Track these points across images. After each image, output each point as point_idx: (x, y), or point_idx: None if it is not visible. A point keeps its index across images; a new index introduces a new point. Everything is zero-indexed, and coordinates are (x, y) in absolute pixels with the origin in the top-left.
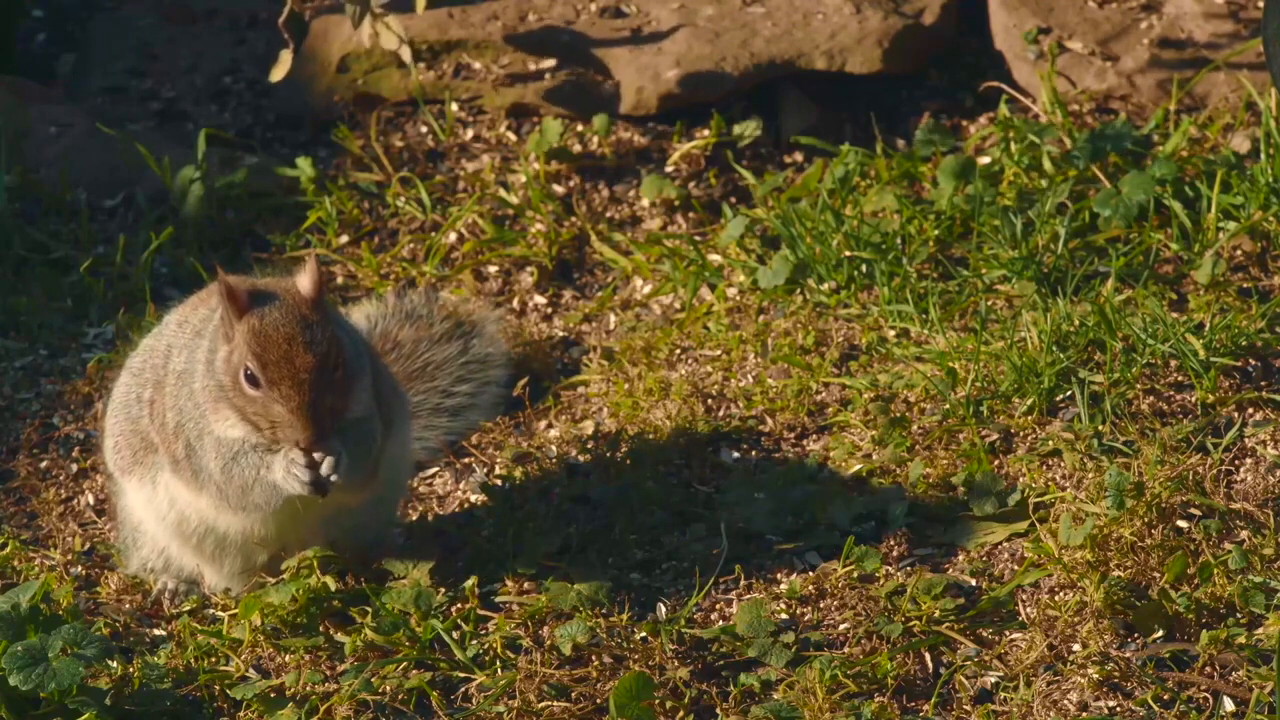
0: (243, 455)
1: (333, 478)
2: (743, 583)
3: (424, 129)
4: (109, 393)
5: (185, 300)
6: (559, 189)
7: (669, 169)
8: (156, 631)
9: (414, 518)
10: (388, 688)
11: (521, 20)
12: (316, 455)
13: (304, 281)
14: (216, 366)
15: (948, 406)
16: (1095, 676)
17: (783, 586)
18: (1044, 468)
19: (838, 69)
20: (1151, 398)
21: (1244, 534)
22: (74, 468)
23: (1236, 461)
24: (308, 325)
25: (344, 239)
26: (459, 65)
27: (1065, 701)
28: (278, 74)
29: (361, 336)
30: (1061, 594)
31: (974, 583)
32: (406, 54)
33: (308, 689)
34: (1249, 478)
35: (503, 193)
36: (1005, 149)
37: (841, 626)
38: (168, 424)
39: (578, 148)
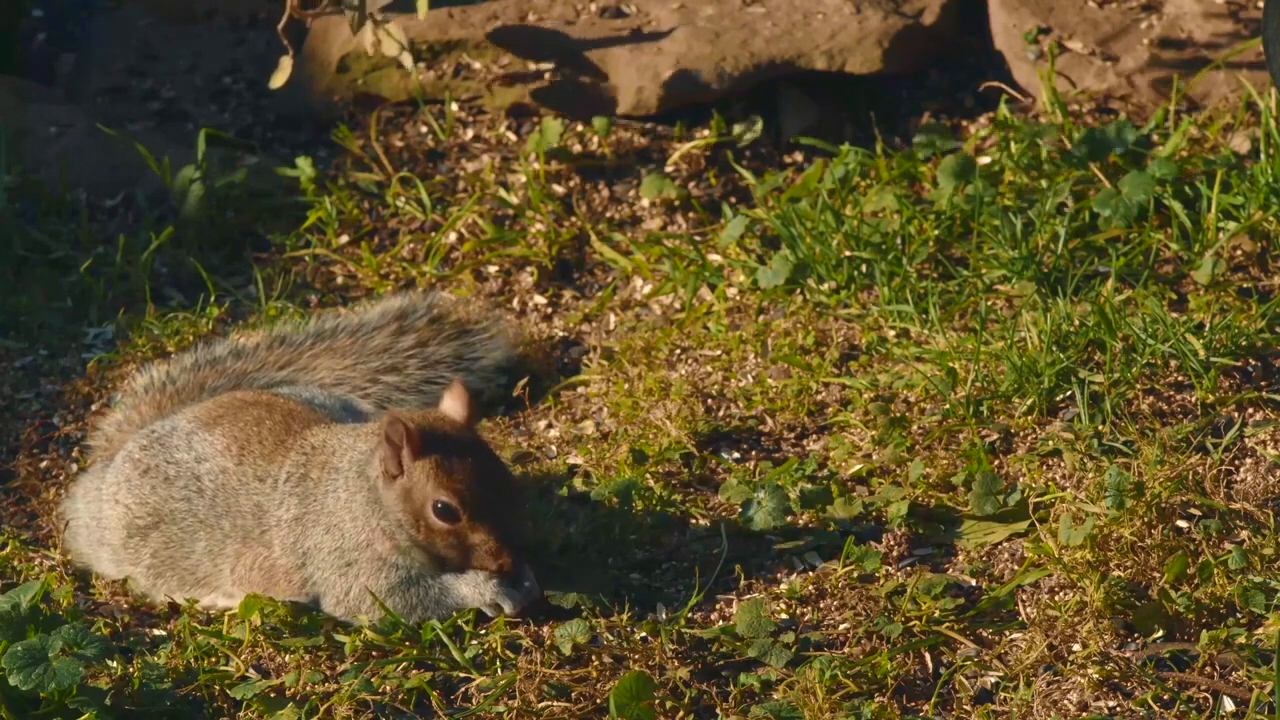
0: (418, 580)
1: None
2: (743, 583)
3: (424, 129)
4: (108, 411)
5: (218, 424)
6: (559, 189)
7: (669, 169)
8: (156, 631)
9: None
10: (388, 688)
11: (521, 20)
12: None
13: (455, 407)
14: (389, 505)
15: (948, 406)
16: (1095, 676)
17: (783, 586)
18: (1044, 468)
19: (838, 69)
20: (1151, 398)
21: (1244, 534)
22: (74, 468)
23: (1236, 461)
24: (490, 455)
25: (344, 239)
26: (459, 65)
27: (1065, 701)
28: (278, 80)
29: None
30: (1061, 594)
31: (974, 583)
32: (408, 60)
33: (308, 689)
34: (1249, 478)
35: (503, 193)
36: (1005, 149)
37: (841, 626)
38: (277, 561)
39: (578, 148)
